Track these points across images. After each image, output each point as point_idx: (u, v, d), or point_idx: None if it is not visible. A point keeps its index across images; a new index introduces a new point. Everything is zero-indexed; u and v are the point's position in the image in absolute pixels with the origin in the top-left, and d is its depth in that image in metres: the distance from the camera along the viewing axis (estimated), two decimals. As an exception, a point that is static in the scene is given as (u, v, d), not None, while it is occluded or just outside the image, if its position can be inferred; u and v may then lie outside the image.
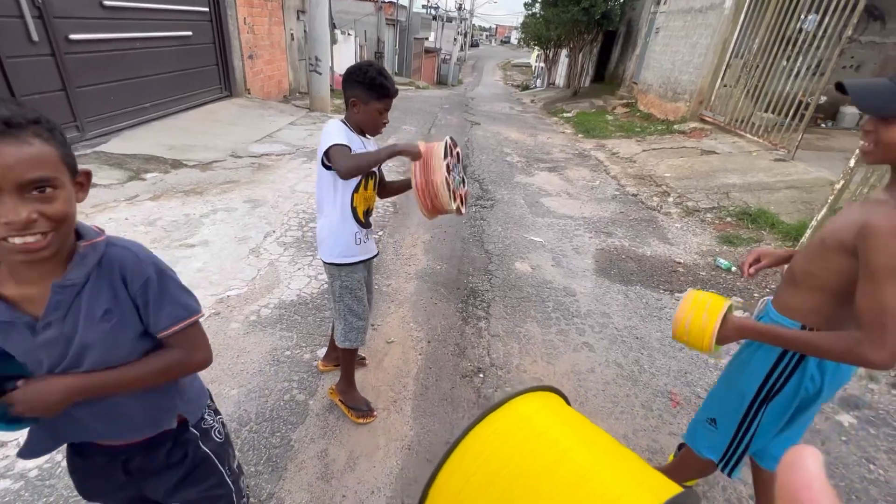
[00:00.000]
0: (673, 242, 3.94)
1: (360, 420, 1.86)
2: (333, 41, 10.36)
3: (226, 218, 3.47)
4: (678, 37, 8.90)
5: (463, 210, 1.65)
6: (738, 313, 2.75)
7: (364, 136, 1.60)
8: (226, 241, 3.13)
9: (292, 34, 9.27)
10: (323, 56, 7.68)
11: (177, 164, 4.41)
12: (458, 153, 1.64)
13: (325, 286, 2.76)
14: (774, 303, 1.21)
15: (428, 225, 3.83)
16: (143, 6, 5.11)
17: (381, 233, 3.59)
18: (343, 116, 1.59)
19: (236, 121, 6.29)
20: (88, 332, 0.74)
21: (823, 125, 7.68)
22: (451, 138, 1.59)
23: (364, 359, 2.20)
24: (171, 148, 4.76)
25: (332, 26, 10.35)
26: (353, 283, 1.70)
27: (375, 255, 1.80)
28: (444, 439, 1.82)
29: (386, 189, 1.79)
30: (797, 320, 1.12)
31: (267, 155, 5.16)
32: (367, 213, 1.68)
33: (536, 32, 16.17)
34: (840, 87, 1.01)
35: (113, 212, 3.30)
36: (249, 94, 7.61)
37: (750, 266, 1.38)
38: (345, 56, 13.50)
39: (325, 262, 1.70)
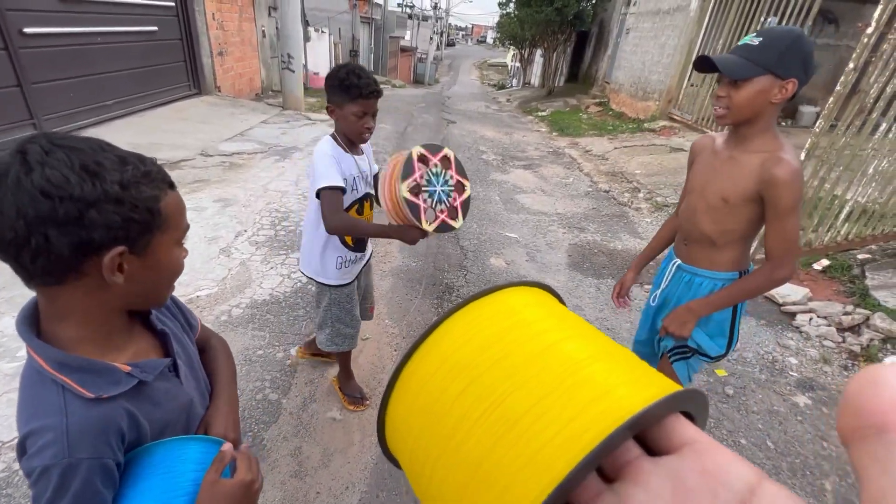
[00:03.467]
0: (643, 237, 4.05)
1: (351, 406, 1.90)
2: (307, 39, 10.21)
3: (195, 217, 3.39)
4: (647, 37, 9.14)
5: (454, 224, 1.42)
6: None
7: (354, 148, 1.53)
8: (195, 241, 3.05)
9: (264, 31, 9.10)
10: (296, 53, 7.55)
11: (143, 163, 4.26)
12: (443, 158, 1.40)
13: (299, 285, 2.74)
14: (703, 266, 1.35)
15: (403, 222, 3.82)
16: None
17: (356, 231, 3.56)
18: (333, 129, 1.52)
19: (206, 119, 6.13)
20: (192, 349, 0.73)
21: (783, 123, 8.02)
22: (457, 158, 1.43)
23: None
24: (137, 146, 4.55)
25: (305, 23, 10.20)
26: (342, 297, 1.67)
27: (365, 263, 1.75)
28: (419, 433, 1.83)
29: None
30: (733, 270, 1.32)
31: (238, 153, 5.05)
32: (362, 238, 1.63)
33: (511, 32, 16.29)
34: (703, 60, 1.16)
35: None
36: (220, 91, 7.43)
37: (618, 297, 1.62)
38: (319, 54, 13.32)
39: (309, 278, 1.66)
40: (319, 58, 13.45)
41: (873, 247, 3.49)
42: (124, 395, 0.57)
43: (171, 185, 0.59)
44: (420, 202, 1.36)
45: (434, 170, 1.38)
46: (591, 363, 0.24)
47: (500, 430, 0.23)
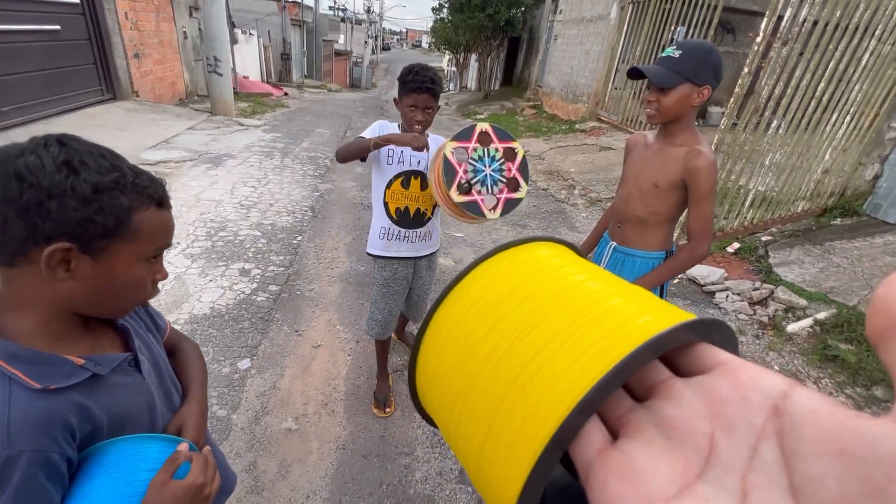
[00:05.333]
0: (580, 230, 4.30)
1: (374, 409, 1.95)
2: (234, 41, 9.73)
3: (119, 232, 3.12)
4: (574, 44, 9.69)
5: (519, 195, 1.40)
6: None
7: None
8: (120, 256, 2.81)
9: (185, 32, 8.55)
10: (223, 56, 7.17)
11: (51, 176, 3.86)
12: (480, 136, 1.37)
13: (242, 297, 2.63)
14: (636, 246, 1.52)
15: (350, 227, 3.78)
16: (-7, -6, 4.39)
17: (300, 238, 3.47)
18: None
19: (124, 126, 5.65)
20: (158, 350, 0.71)
21: (697, 123, 8.84)
22: (493, 126, 1.40)
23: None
24: (43, 157, 4.14)
25: (231, 25, 9.72)
26: (381, 278, 1.76)
27: (420, 257, 1.77)
28: (379, 434, 1.83)
29: None
30: (661, 250, 1.50)
31: (164, 162, 4.72)
32: (406, 212, 1.65)
33: (446, 37, 16.56)
34: (634, 71, 1.34)
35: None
36: (138, 96, 6.88)
37: None
38: (247, 57, 12.75)
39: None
40: (248, 61, 12.87)
41: (773, 229, 3.97)
42: (77, 389, 0.56)
43: (161, 204, 0.59)
44: (475, 196, 1.35)
45: (475, 154, 1.35)
46: (617, 298, 0.25)
47: (527, 357, 0.23)
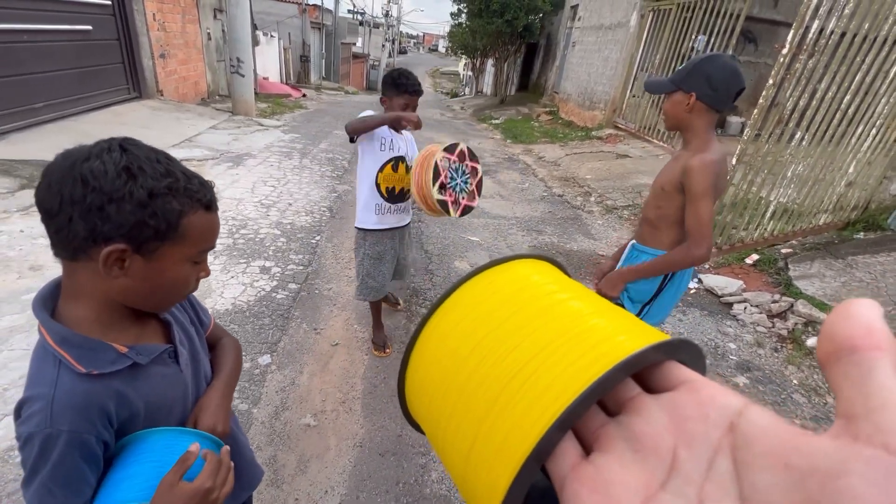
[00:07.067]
0: (596, 237, 4.29)
1: (375, 352, 2.29)
2: (255, 43, 9.91)
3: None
4: (592, 51, 9.67)
5: (474, 205, 1.88)
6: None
7: (396, 132, 1.92)
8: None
9: (209, 33, 8.75)
10: (245, 58, 7.33)
11: (80, 171, 3.97)
12: (460, 153, 1.82)
13: (262, 293, 2.68)
14: (650, 244, 1.57)
15: (366, 228, 3.83)
16: (30, -5, 4.56)
17: (318, 237, 3.52)
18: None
19: (149, 124, 5.80)
20: (199, 343, 0.75)
21: (716, 132, 8.74)
22: (468, 147, 1.85)
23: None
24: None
25: (253, 27, 9.91)
26: (375, 252, 2.06)
27: (403, 226, 2.11)
28: (396, 433, 1.85)
29: None
30: (666, 249, 1.54)
31: (187, 160, 4.82)
32: (394, 190, 1.97)
33: (463, 42, 16.63)
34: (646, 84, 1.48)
35: (4, 223, 2.91)
36: (162, 95, 7.05)
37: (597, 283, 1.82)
38: (268, 58, 12.97)
39: (355, 228, 2.08)
40: (269, 63, 13.10)
41: (794, 242, 3.91)
42: (118, 376, 0.59)
43: (208, 207, 0.62)
44: (447, 198, 1.77)
45: (454, 165, 1.76)
46: (595, 317, 0.26)
47: (511, 373, 0.24)
